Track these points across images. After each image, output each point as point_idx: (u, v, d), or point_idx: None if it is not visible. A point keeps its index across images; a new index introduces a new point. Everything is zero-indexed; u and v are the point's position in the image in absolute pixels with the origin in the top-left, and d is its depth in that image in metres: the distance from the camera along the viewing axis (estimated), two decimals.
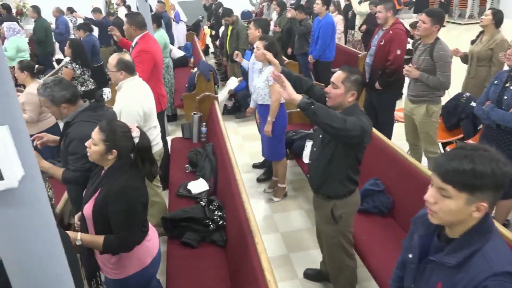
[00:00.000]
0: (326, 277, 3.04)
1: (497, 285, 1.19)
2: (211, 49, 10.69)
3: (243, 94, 6.12)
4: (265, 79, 3.65)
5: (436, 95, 3.70)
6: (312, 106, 2.08)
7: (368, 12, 7.15)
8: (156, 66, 3.83)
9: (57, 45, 9.26)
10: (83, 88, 5.32)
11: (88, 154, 2.09)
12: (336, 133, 2.15)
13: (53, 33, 8.66)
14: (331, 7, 7.23)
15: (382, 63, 4.34)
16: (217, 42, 7.77)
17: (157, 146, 3.26)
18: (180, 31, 9.73)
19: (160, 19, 5.95)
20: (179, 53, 7.77)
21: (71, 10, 9.78)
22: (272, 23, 8.62)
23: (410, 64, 3.76)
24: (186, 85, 6.24)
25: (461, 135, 4.32)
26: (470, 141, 4.20)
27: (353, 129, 2.15)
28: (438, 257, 1.34)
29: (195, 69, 6.70)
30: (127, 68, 3.13)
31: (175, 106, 6.23)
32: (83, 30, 6.66)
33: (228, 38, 6.83)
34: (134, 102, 3.04)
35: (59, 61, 8.80)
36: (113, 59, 3.14)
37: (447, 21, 12.96)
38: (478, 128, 4.22)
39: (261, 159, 4.80)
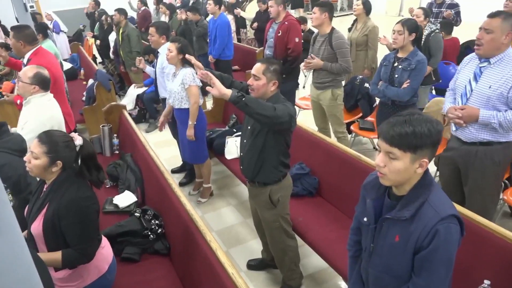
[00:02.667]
0: (269, 263, 3.16)
1: (446, 227, 1.41)
2: (98, 59, 10.11)
3: (149, 98, 5.94)
4: (180, 82, 3.60)
5: (338, 80, 4.06)
6: (243, 99, 2.15)
7: (257, 11, 7.48)
8: (57, 82, 3.51)
9: None
10: None
11: (28, 169, 1.91)
12: (268, 121, 2.25)
13: None
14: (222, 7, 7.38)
15: (283, 52, 4.61)
16: (111, 52, 7.36)
17: None
18: (61, 42, 9.03)
19: (46, 29, 5.46)
20: (66, 66, 7.21)
21: None
22: None
23: (310, 56, 4.04)
24: (84, 98, 5.84)
25: (360, 114, 4.80)
26: (368, 118, 4.69)
27: (282, 116, 2.28)
28: (392, 214, 1.51)
29: (90, 80, 6.30)
30: (43, 83, 2.87)
31: (76, 122, 5.78)
32: None
33: (120, 43, 6.56)
34: (40, 118, 2.79)
35: None
36: (30, 70, 2.85)
37: (338, 16, 14.12)
38: (374, 106, 4.74)
39: (177, 164, 4.74)
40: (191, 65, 3.56)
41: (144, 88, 6.33)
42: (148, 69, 4.58)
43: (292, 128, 2.46)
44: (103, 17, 7.79)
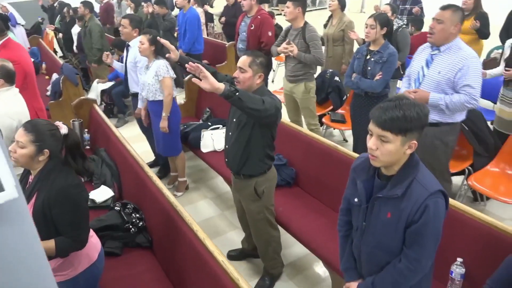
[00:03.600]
0: (250, 253, 3.21)
1: (434, 202, 1.53)
2: (59, 53, 9.73)
3: (118, 92, 5.80)
4: (154, 74, 3.55)
5: (311, 73, 4.15)
6: (237, 93, 2.14)
7: (225, 5, 7.47)
8: (29, 76, 3.38)
9: None
10: None
11: (13, 160, 1.85)
12: (258, 114, 2.26)
13: None
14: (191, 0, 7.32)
15: (256, 45, 4.66)
16: (74, 46, 7.11)
17: None
18: (18, 35, 8.61)
19: (7, 20, 5.20)
20: None
21: None
22: None
23: (287, 42, 4.07)
24: (49, 93, 5.63)
25: (331, 107, 4.93)
26: (339, 111, 4.83)
27: (270, 109, 2.31)
28: (384, 193, 1.60)
29: (54, 75, 6.08)
30: (8, 77, 2.77)
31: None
32: None
33: (83, 38, 6.36)
34: (8, 113, 2.70)
35: None
36: None
37: (310, 10, 14.26)
38: (344, 98, 4.88)
39: (149, 159, 4.67)
40: (163, 56, 3.54)
41: (109, 83, 6.17)
42: (116, 63, 4.47)
43: (278, 121, 2.50)
44: (65, 10, 7.51)
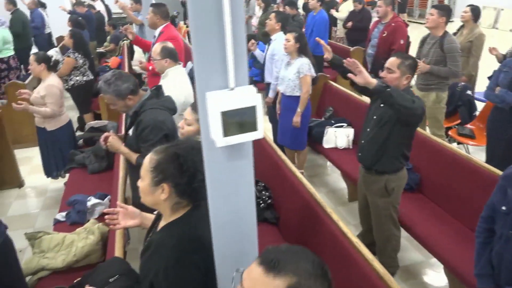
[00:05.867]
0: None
1: None
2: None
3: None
4: (296, 71, 3.80)
5: (445, 83, 4.08)
6: (388, 89, 2.29)
7: (351, 10, 7.56)
8: (181, 53, 3.92)
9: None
10: (84, 78, 5.26)
11: (180, 135, 2.19)
12: (406, 112, 2.37)
13: None
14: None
15: (385, 52, 4.69)
16: None
17: None
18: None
19: None
20: None
21: (43, 5, 9.39)
22: (255, 19, 8.83)
23: (421, 60, 4.06)
24: None
25: (459, 121, 4.76)
26: (468, 125, 4.64)
27: (418, 108, 2.40)
28: None
29: (189, 63, 6.74)
30: (171, 55, 3.22)
31: None
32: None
33: None
34: (178, 89, 3.13)
35: None
36: (157, 47, 3.22)
37: (409, 21, 13.80)
38: (474, 114, 4.68)
39: None
40: (306, 55, 3.79)
41: None
42: (258, 52, 4.83)
43: (420, 122, 2.57)
44: None
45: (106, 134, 2.66)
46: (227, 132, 1.06)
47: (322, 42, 2.98)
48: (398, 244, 2.98)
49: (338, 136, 4.18)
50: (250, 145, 1.25)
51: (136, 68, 5.55)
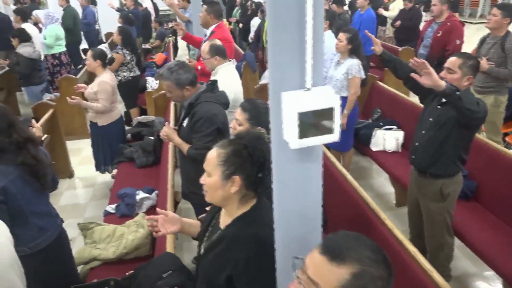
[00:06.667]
0: None
1: None
2: None
3: None
4: (344, 71, 3.72)
5: (504, 86, 3.86)
6: (458, 92, 2.18)
7: (401, 9, 7.31)
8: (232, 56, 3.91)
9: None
10: (131, 74, 5.36)
11: (232, 134, 2.18)
12: (471, 115, 2.26)
13: None
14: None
15: (439, 53, 4.49)
16: (250, 36, 7.83)
17: None
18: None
19: None
20: None
21: (94, 3, 9.71)
22: None
23: (483, 58, 3.85)
24: None
25: None
26: None
27: (482, 111, 2.28)
28: None
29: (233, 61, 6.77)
30: (220, 53, 3.23)
31: None
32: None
33: (264, 30, 6.91)
34: (228, 86, 3.12)
35: (85, 51, 8.76)
36: (205, 46, 3.23)
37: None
38: None
39: None
40: (357, 56, 3.69)
41: None
42: None
43: (481, 125, 2.44)
44: (248, 3, 8.28)
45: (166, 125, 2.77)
46: (302, 134, 1.02)
47: (371, 35, 2.91)
48: (451, 252, 2.85)
49: (387, 139, 4.05)
50: (320, 149, 1.20)
51: None
